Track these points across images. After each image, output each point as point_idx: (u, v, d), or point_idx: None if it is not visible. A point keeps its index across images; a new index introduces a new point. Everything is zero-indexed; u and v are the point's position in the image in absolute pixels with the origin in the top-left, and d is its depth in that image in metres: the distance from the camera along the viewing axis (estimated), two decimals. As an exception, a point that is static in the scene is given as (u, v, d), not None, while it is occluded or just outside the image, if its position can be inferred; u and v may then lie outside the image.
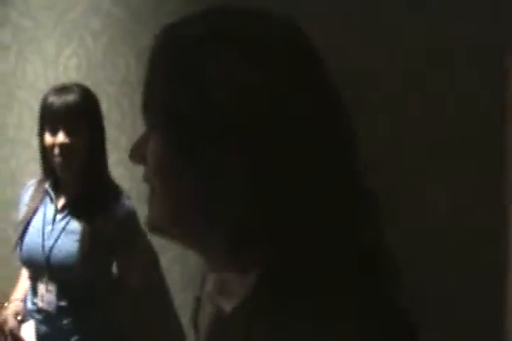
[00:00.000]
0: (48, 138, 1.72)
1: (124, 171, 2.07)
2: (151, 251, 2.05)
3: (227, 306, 0.62)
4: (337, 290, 0.55)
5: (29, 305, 1.82)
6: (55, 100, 1.71)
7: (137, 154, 0.64)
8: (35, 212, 1.82)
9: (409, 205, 1.52)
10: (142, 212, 1.80)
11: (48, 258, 1.72)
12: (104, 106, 2.06)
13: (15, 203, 2.00)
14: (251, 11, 0.62)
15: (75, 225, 1.73)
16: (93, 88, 1.85)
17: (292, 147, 0.56)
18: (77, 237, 1.71)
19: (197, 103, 0.57)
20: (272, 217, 0.57)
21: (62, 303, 1.74)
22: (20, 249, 1.79)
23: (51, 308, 1.74)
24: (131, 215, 1.78)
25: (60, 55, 2.36)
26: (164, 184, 0.61)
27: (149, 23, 2.05)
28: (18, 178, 2.45)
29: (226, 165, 0.57)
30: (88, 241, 1.69)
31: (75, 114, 1.70)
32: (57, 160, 1.71)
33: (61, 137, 1.69)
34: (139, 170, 2.28)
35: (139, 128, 2.04)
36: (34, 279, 1.81)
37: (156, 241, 2.04)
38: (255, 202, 0.56)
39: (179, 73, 0.59)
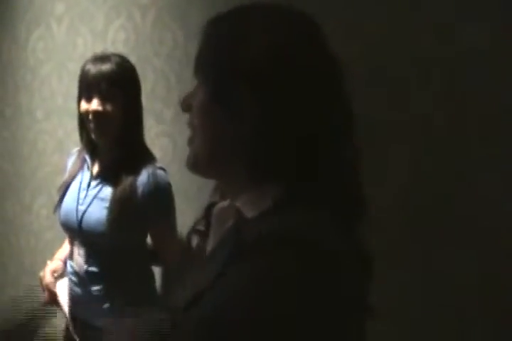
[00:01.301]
0: (84, 106, 1.75)
1: (167, 143, 2.11)
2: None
3: (253, 213, 0.77)
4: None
5: (68, 267, 1.88)
6: (91, 68, 1.74)
7: (186, 103, 0.81)
8: (73, 178, 1.87)
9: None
10: (182, 183, 1.86)
11: (79, 223, 1.77)
12: (151, 80, 2.10)
13: (62, 170, 2.07)
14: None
15: (107, 192, 1.77)
16: (140, 62, 1.89)
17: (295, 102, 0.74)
18: (106, 204, 1.74)
19: (235, 64, 0.75)
20: (278, 151, 0.74)
21: (92, 268, 1.78)
22: (59, 213, 1.86)
23: (81, 272, 1.80)
24: (164, 187, 1.78)
25: (108, 29, 2.42)
26: (203, 125, 0.79)
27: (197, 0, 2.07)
28: (65, 146, 2.53)
29: (247, 112, 0.74)
30: (117, 208, 1.72)
31: (108, 82, 1.72)
32: (92, 127, 1.74)
33: (95, 104, 1.72)
34: (182, 142, 2.33)
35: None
36: (71, 242, 1.88)
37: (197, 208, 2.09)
38: (266, 140, 0.74)
39: (226, 42, 0.77)
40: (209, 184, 2.47)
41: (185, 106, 0.82)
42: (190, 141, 0.81)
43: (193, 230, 0.94)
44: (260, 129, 0.73)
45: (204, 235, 0.91)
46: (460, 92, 1.53)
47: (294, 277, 0.63)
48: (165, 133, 2.11)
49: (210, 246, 0.86)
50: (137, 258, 1.83)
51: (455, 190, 1.54)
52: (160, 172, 1.78)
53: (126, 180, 1.74)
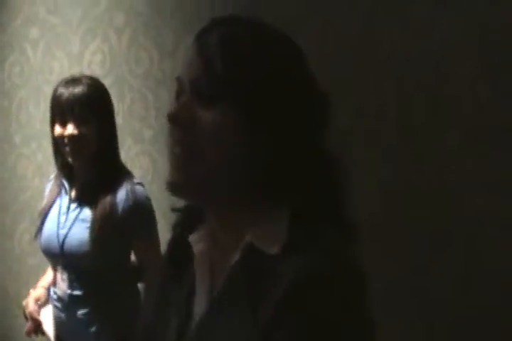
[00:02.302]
0: (58, 130, 1.74)
1: (147, 162, 2.11)
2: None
3: (275, 249, 0.70)
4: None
5: (52, 293, 1.86)
6: (63, 92, 1.73)
7: (179, 117, 0.73)
8: (52, 203, 1.86)
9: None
10: (162, 203, 1.86)
11: (62, 247, 1.75)
12: (128, 99, 2.11)
13: (43, 194, 2.06)
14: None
15: (87, 213, 1.75)
16: (117, 82, 1.90)
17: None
18: (88, 225, 1.73)
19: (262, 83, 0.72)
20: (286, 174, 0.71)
21: (76, 292, 1.76)
22: (40, 240, 1.84)
23: (65, 297, 1.78)
24: (143, 202, 1.77)
25: (84, 51, 2.43)
26: (215, 146, 0.71)
27: (172, 17, 2.10)
28: (45, 170, 2.52)
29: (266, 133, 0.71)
30: (98, 227, 1.70)
31: (82, 105, 1.71)
32: (67, 150, 1.73)
33: (70, 128, 1.71)
34: (162, 161, 2.34)
35: (162, 119, 2.10)
36: (53, 268, 1.86)
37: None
38: (283, 164, 0.71)
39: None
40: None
41: (178, 119, 0.73)
42: (186, 161, 0.72)
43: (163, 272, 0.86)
44: (277, 152, 0.71)
45: (176, 278, 0.82)
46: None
47: (359, 305, 0.67)
48: (144, 153, 2.11)
49: (200, 287, 0.77)
50: (121, 277, 1.81)
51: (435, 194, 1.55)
52: (138, 187, 1.78)
53: (106, 199, 1.73)
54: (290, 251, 0.68)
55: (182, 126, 0.72)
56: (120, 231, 1.74)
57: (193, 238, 0.79)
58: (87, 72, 2.31)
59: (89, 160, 1.77)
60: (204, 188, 0.73)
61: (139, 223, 1.78)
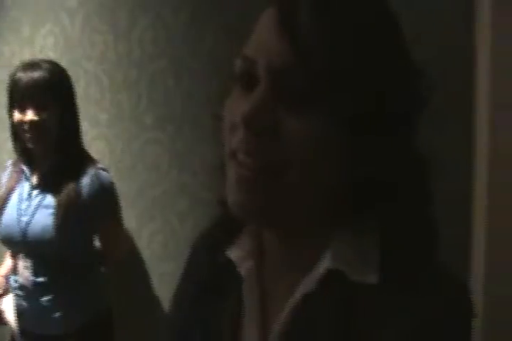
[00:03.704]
0: (17, 115, 1.71)
1: (104, 147, 2.09)
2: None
3: (373, 277, 0.56)
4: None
5: (12, 282, 1.84)
6: (21, 76, 1.69)
7: (260, 122, 0.54)
8: (11, 191, 1.83)
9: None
10: (120, 186, 1.85)
11: (24, 234, 1.73)
12: (83, 83, 2.07)
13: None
14: None
15: (50, 199, 1.74)
16: (71, 66, 1.86)
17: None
18: (51, 211, 1.71)
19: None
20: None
21: (40, 279, 1.75)
22: None
23: (29, 285, 1.76)
24: (108, 187, 1.78)
25: (36, 35, 2.36)
26: (307, 168, 0.54)
27: (125, 0, 2.06)
28: (-1, 158, 2.46)
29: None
30: (63, 213, 1.69)
31: (42, 90, 1.68)
32: (28, 136, 1.71)
33: (30, 114, 1.69)
34: (119, 145, 2.31)
35: (117, 103, 2.07)
36: (14, 256, 1.84)
37: (136, 214, 2.08)
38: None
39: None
40: (147, 188, 2.48)
41: (255, 124, 0.54)
42: (263, 181, 0.55)
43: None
44: (379, 167, 0.56)
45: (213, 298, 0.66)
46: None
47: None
48: (101, 137, 2.08)
49: (250, 317, 0.62)
50: (86, 262, 1.82)
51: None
52: (102, 172, 1.78)
53: (69, 185, 1.72)
54: (390, 280, 0.55)
55: (259, 134, 0.54)
56: (85, 216, 1.73)
57: (235, 254, 0.64)
58: (40, 56, 2.26)
59: (51, 146, 1.74)
60: (284, 213, 0.57)
61: (104, 208, 1.79)
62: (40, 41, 2.34)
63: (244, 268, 0.63)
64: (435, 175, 0.60)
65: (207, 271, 0.68)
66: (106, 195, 1.78)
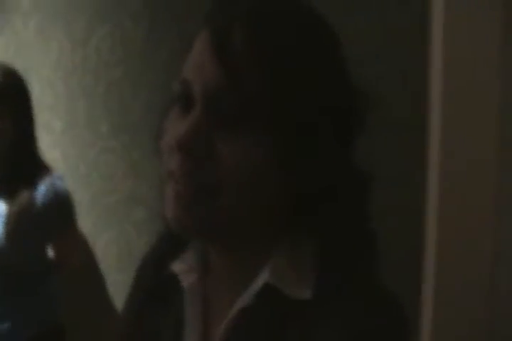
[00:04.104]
0: None
1: (58, 154, 2.06)
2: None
3: (308, 293, 0.57)
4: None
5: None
6: None
7: (194, 145, 0.55)
8: None
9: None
10: (76, 194, 1.83)
11: None
12: (37, 89, 2.04)
13: None
14: None
15: (2, 208, 1.71)
16: (25, 71, 1.83)
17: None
18: (3, 219, 1.68)
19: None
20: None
21: None
22: None
23: None
24: (63, 196, 1.76)
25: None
26: (241, 189, 0.55)
27: (84, 5, 2.04)
28: None
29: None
30: (14, 222, 1.67)
31: None
32: None
33: None
34: (73, 153, 2.27)
35: (73, 110, 2.05)
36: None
37: (91, 223, 2.06)
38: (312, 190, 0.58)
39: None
40: (101, 195, 2.45)
41: (189, 146, 0.55)
42: (197, 200, 0.56)
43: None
44: (316, 185, 0.57)
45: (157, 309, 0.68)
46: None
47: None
48: (55, 144, 2.05)
49: (191, 329, 0.64)
50: (38, 272, 1.78)
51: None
52: (58, 181, 1.76)
53: (24, 193, 1.69)
54: (324, 295, 0.56)
55: (194, 156, 0.55)
56: (38, 225, 1.71)
57: (179, 268, 0.65)
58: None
59: (6, 155, 1.71)
60: (221, 230, 0.58)
61: (59, 217, 1.77)
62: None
63: (187, 281, 0.64)
64: (374, 190, 0.61)
65: (153, 283, 0.70)
66: (61, 203, 1.76)
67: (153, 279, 0.70)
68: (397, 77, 1.38)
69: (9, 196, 1.71)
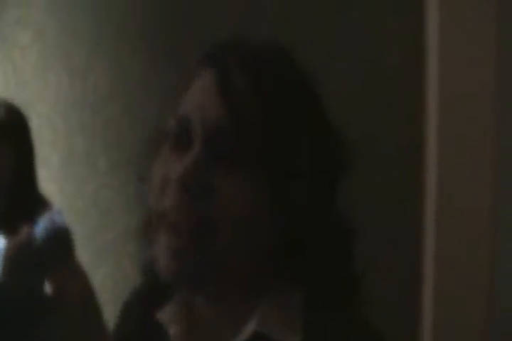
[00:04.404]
0: None
1: (56, 189, 2.06)
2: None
3: (295, 338, 0.58)
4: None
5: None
6: None
7: (194, 183, 0.55)
8: None
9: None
10: (73, 229, 1.82)
11: None
12: (35, 124, 2.04)
13: None
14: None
15: (2, 242, 1.70)
16: (23, 105, 1.83)
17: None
18: (2, 254, 1.67)
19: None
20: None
21: None
22: None
23: None
24: (63, 231, 1.76)
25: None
26: (236, 229, 0.55)
27: (83, 39, 2.05)
28: None
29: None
30: (13, 257, 1.66)
31: None
32: None
33: None
34: (70, 187, 2.26)
35: (72, 145, 2.05)
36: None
37: (87, 257, 2.04)
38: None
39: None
40: (99, 230, 2.43)
41: (189, 184, 0.55)
42: (193, 242, 0.56)
43: None
44: (301, 229, 0.58)
45: None
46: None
47: None
48: (52, 179, 2.05)
49: None
50: (34, 307, 1.76)
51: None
52: (57, 216, 1.76)
53: (23, 228, 1.68)
54: (313, 339, 0.57)
55: (194, 193, 0.54)
56: (37, 261, 1.70)
57: (164, 317, 0.64)
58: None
59: (6, 190, 1.71)
60: (213, 279, 0.58)
61: (57, 253, 1.76)
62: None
63: (173, 330, 0.63)
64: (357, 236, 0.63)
65: (137, 329, 0.68)
66: (60, 239, 1.75)
67: (139, 325, 0.68)
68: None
69: (8, 230, 1.70)
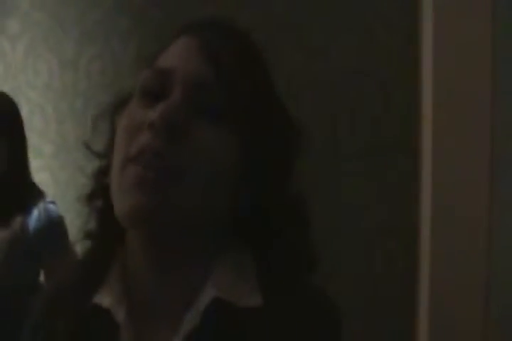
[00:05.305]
0: None
1: (48, 178, 2.04)
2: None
3: (257, 300, 0.59)
4: None
5: None
6: None
7: (172, 124, 0.55)
8: None
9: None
10: (67, 218, 1.81)
11: None
12: (26, 113, 2.03)
13: None
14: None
15: None
16: (13, 94, 1.82)
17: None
18: None
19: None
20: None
21: None
22: None
23: None
24: (57, 221, 1.75)
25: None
26: (204, 175, 0.56)
27: (73, 27, 2.04)
28: None
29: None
30: (7, 247, 1.66)
31: None
32: None
33: None
34: (63, 176, 2.25)
35: (64, 134, 2.03)
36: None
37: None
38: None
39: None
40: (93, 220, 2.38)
41: (167, 125, 0.55)
42: (163, 180, 0.55)
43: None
44: (263, 188, 0.61)
45: None
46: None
47: None
48: (44, 168, 2.03)
49: None
50: (28, 298, 1.74)
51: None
52: (51, 206, 1.75)
53: (16, 219, 1.68)
54: (270, 301, 0.59)
55: (169, 135, 0.55)
56: (31, 251, 1.69)
57: (105, 301, 0.60)
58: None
59: None
60: (176, 220, 0.56)
61: (52, 243, 1.74)
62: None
63: (119, 314, 0.59)
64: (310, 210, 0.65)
65: (73, 320, 0.62)
66: (54, 229, 1.74)
67: (74, 315, 0.61)
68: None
69: (2, 220, 1.69)
